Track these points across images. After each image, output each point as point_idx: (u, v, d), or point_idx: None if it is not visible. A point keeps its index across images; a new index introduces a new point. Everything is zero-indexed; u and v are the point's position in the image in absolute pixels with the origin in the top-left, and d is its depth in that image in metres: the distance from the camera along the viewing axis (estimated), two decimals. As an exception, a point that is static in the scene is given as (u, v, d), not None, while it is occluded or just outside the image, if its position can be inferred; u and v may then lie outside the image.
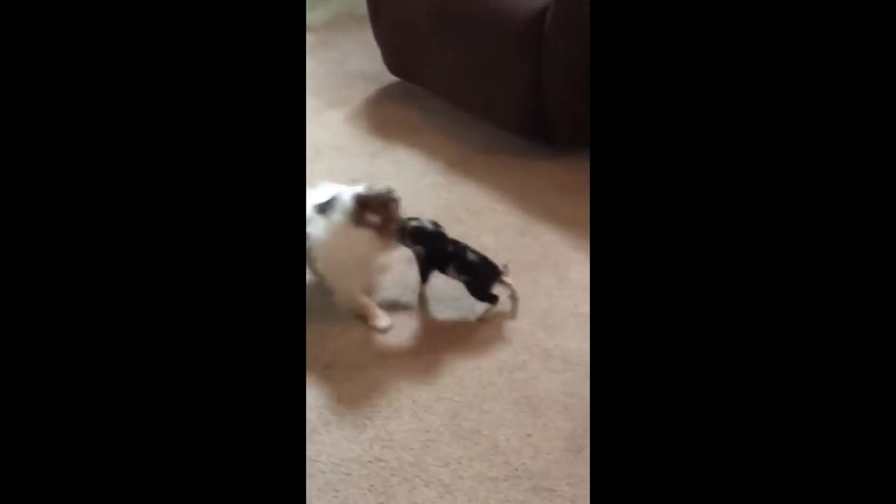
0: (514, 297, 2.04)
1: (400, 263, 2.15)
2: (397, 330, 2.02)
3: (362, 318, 2.04)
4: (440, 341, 1.98)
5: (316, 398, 1.83)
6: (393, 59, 2.96)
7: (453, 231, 2.25)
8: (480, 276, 2.02)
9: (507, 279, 2.02)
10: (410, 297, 2.11)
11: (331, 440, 1.74)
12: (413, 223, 2.03)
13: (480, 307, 2.03)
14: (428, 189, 2.51)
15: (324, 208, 1.95)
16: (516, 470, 1.67)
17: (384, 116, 2.92)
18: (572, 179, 2.48)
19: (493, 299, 2.02)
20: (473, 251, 2.03)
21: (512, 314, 2.03)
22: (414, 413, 1.80)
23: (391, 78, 3.04)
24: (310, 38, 3.46)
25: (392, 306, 2.08)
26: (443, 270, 2.04)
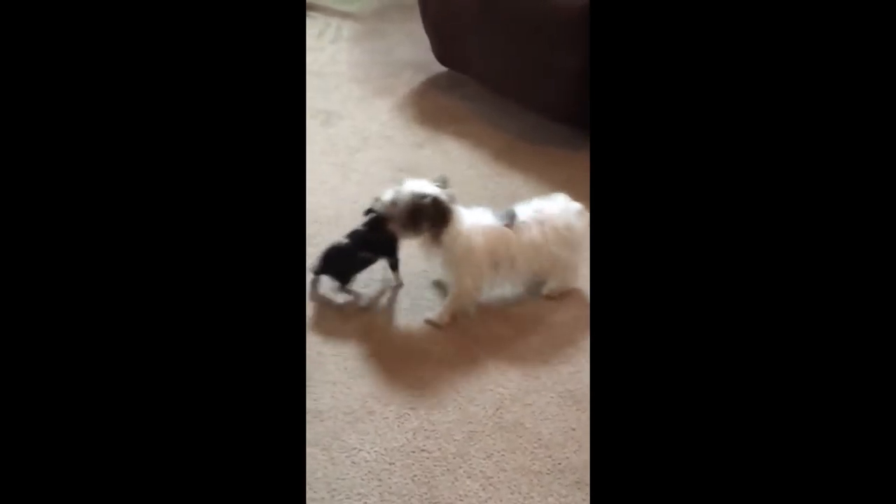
0: None
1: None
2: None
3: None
4: (485, 333, 1.98)
5: (360, 387, 1.85)
6: (441, 49, 2.95)
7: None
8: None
9: None
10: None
11: (375, 429, 1.75)
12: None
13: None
14: (475, 179, 2.50)
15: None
16: (559, 464, 1.66)
17: (431, 106, 2.92)
18: (620, 171, 2.45)
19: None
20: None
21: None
22: (458, 404, 1.80)
23: (438, 67, 3.04)
24: (357, 28, 3.47)
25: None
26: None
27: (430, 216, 1.90)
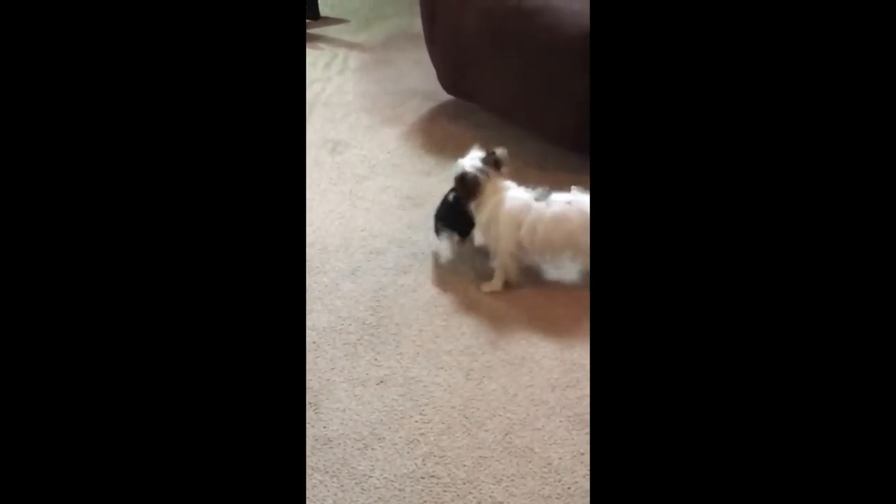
0: None
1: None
2: (450, 346, 2.03)
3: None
4: (493, 358, 1.98)
5: (369, 413, 1.85)
6: (448, 78, 2.98)
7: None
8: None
9: None
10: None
11: (384, 456, 1.75)
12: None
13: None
14: (482, 206, 2.51)
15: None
16: (569, 488, 1.65)
17: (439, 134, 2.94)
18: (627, 196, 2.45)
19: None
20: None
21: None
22: (466, 430, 1.80)
23: (445, 96, 3.06)
24: (365, 57, 3.51)
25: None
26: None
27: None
